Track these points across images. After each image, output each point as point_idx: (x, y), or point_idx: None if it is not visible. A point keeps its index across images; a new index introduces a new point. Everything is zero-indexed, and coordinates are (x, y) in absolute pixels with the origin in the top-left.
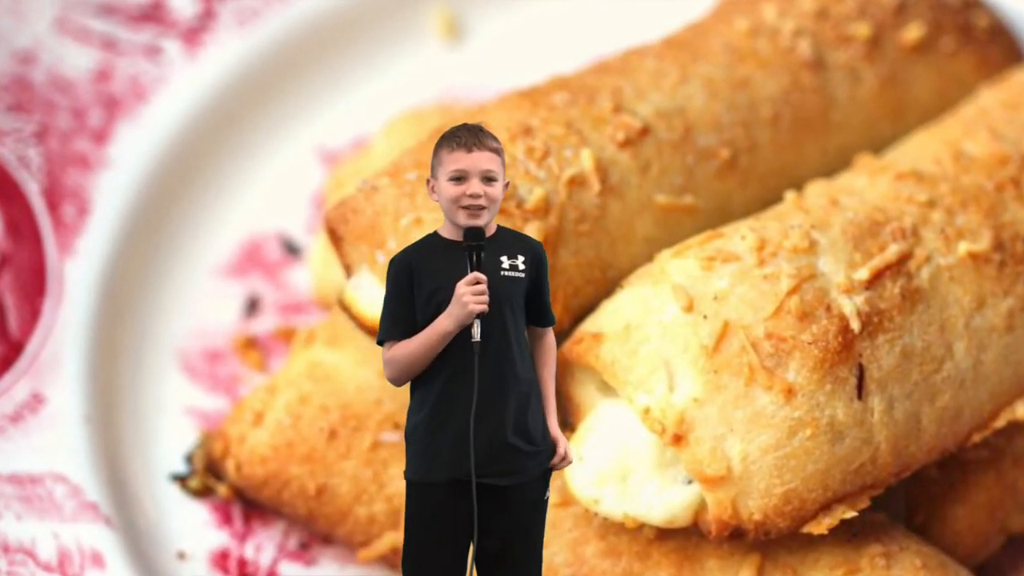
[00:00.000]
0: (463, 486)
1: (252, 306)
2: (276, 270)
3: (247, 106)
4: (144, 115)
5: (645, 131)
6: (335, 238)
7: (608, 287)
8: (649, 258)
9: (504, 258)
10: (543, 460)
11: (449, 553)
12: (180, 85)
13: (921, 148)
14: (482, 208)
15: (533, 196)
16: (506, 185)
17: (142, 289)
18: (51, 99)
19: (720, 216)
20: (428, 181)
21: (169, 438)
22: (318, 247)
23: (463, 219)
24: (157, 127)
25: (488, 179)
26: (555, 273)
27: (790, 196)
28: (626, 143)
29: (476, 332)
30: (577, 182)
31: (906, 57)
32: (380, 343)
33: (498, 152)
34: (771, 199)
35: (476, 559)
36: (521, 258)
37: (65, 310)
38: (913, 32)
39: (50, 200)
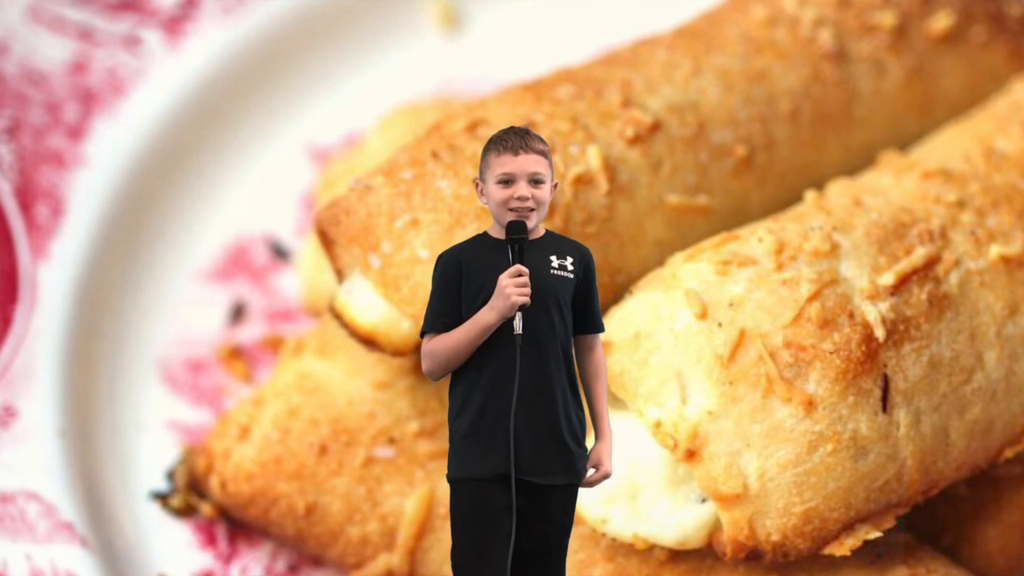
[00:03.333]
0: (505, 483)
1: (237, 313)
2: (263, 275)
3: (232, 100)
4: (122, 110)
5: (656, 127)
6: (326, 241)
7: (616, 293)
8: (660, 262)
9: (554, 257)
10: (584, 463)
11: (495, 550)
12: (161, 78)
13: (950, 145)
14: (531, 210)
15: None
16: (554, 186)
17: (120, 295)
18: (24, 93)
19: (736, 217)
20: (476, 184)
21: (149, 454)
22: (308, 250)
23: (511, 220)
24: (136, 123)
25: (535, 181)
26: None
27: (810, 196)
28: (636, 139)
29: (518, 325)
30: (584, 181)
31: (934, 48)
32: (421, 335)
33: (545, 154)
34: (790, 199)
35: (511, 557)
36: (570, 259)
37: (38, 318)
38: (941, 21)
39: (22, 200)
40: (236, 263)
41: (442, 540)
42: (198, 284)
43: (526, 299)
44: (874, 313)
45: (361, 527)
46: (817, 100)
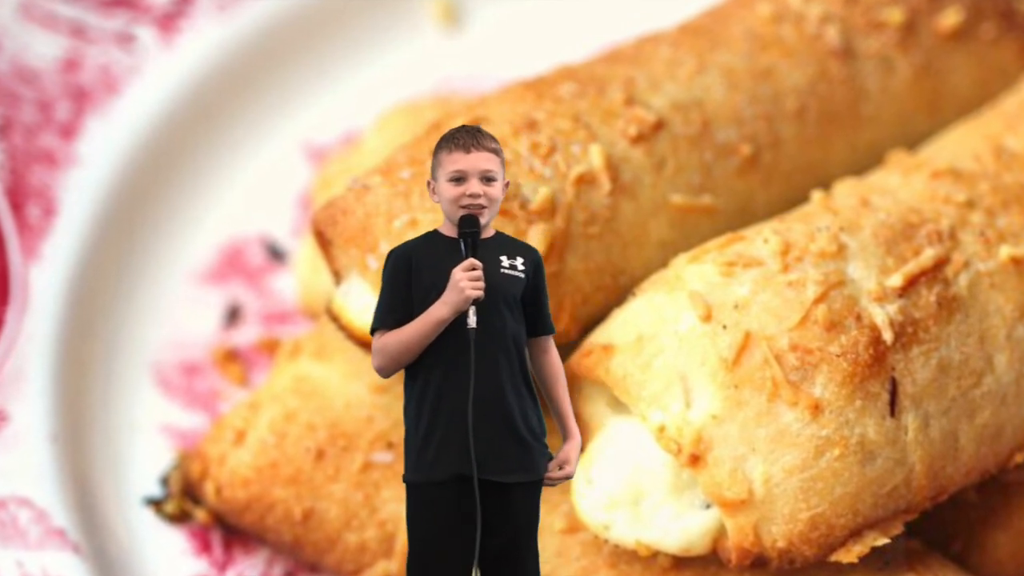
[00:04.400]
0: (466, 484)
1: (233, 315)
2: (259, 276)
3: (227, 98)
4: (116, 108)
5: (659, 125)
6: (323, 241)
7: (619, 295)
8: (664, 263)
9: (504, 257)
10: (545, 458)
11: (455, 556)
12: (155, 76)
13: (959, 143)
14: (482, 207)
15: (538, 196)
16: (506, 185)
17: (113, 297)
18: (15, 91)
19: (741, 217)
20: (428, 183)
21: (143, 459)
22: (304, 251)
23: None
24: (130, 121)
25: (487, 179)
26: (562, 280)
27: (817, 196)
28: (639, 138)
29: (472, 319)
30: (586, 181)
31: (943, 45)
32: (372, 332)
33: (497, 152)
34: (796, 199)
35: (479, 559)
36: (520, 259)
37: (30, 320)
38: (950, 18)
39: (13, 200)
40: (231, 264)
41: None
42: (193, 285)
43: (480, 293)
44: (882, 315)
45: (359, 533)
46: (824, 98)
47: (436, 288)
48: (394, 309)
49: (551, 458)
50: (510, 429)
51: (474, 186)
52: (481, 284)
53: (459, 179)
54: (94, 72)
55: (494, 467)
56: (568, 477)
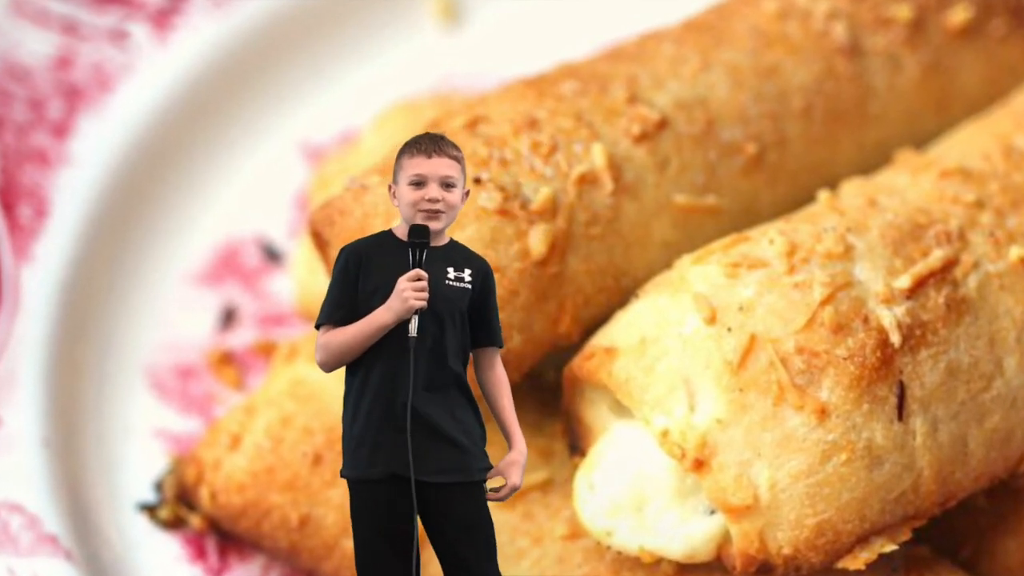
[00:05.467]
0: (401, 483)
1: (228, 317)
2: (255, 278)
3: (223, 96)
4: (109, 106)
5: (663, 124)
6: (320, 242)
7: (622, 296)
8: (667, 264)
9: (450, 269)
10: (482, 462)
11: (396, 554)
12: (148, 73)
13: (968, 142)
14: (439, 212)
15: (539, 196)
16: (466, 194)
17: (107, 299)
18: (6, 88)
19: (746, 218)
20: (390, 187)
21: (136, 464)
22: (301, 252)
23: (420, 221)
24: (123, 120)
25: (447, 185)
26: (564, 281)
27: (823, 196)
28: (642, 137)
29: (413, 328)
30: (588, 180)
31: (951, 42)
32: (317, 327)
33: (459, 160)
34: (802, 199)
35: (441, 561)
36: (468, 271)
37: (21, 322)
38: (959, 14)
39: (5, 200)
40: (227, 265)
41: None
42: (187, 287)
43: (423, 303)
44: (889, 318)
45: None
46: (830, 96)
47: (382, 290)
48: (340, 306)
49: (489, 466)
50: (444, 432)
51: (433, 191)
52: (425, 295)
53: (419, 183)
54: (87, 70)
55: (427, 468)
56: (514, 489)
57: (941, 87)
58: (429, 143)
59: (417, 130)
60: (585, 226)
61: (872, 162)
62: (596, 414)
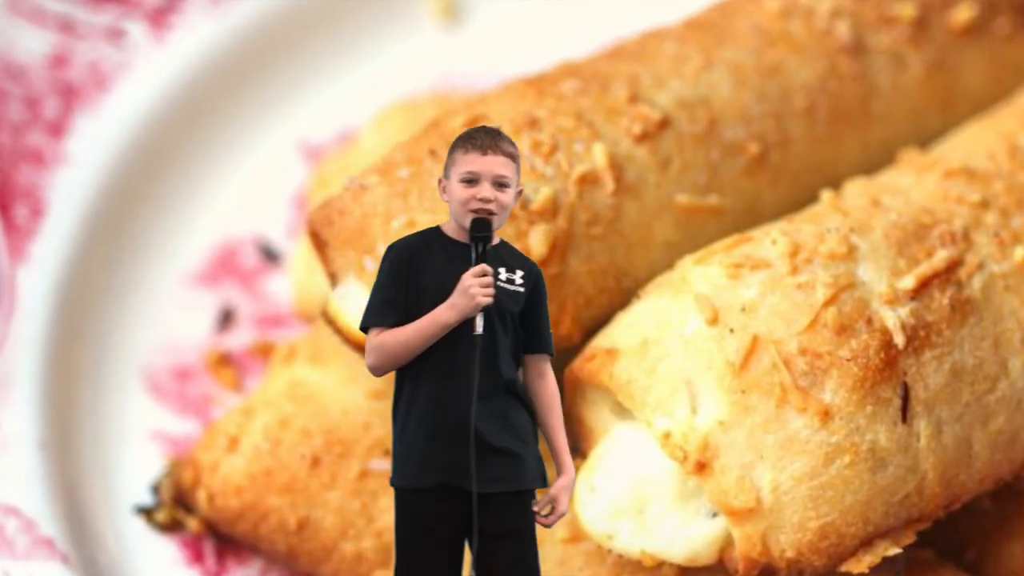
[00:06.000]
0: (453, 492)
1: (226, 318)
2: (253, 278)
3: (221, 96)
4: (105, 105)
5: (665, 123)
6: (319, 243)
7: (623, 297)
8: (669, 265)
9: (502, 270)
10: (535, 468)
11: (441, 564)
12: (146, 72)
13: (973, 142)
14: (491, 214)
15: (540, 196)
16: (519, 192)
17: (103, 300)
18: (1, 87)
19: (748, 218)
20: (440, 181)
21: (133, 466)
22: (300, 253)
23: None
24: (120, 119)
25: (500, 184)
26: (564, 282)
27: (826, 196)
28: (643, 137)
29: (479, 325)
30: (589, 180)
31: (956, 40)
32: (364, 329)
33: (513, 157)
34: (805, 199)
35: (475, 568)
36: (520, 272)
37: (17, 323)
38: (963, 13)
39: (1, 200)
40: (224, 266)
41: None
42: (185, 288)
43: (490, 300)
44: (893, 319)
45: (355, 543)
46: (834, 95)
47: (437, 290)
48: (392, 306)
49: (543, 471)
50: (497, 441)
51: (485, 190)
52: (491, 291)
53: (471, 181)
54: (83, 68)
55: (480, 477)
56: (562, 515)
57: (945, 86)
58: (485, 138)
59: (416, 129)
60: (586, 226)
61: (876, 162)
62: (597, 416)
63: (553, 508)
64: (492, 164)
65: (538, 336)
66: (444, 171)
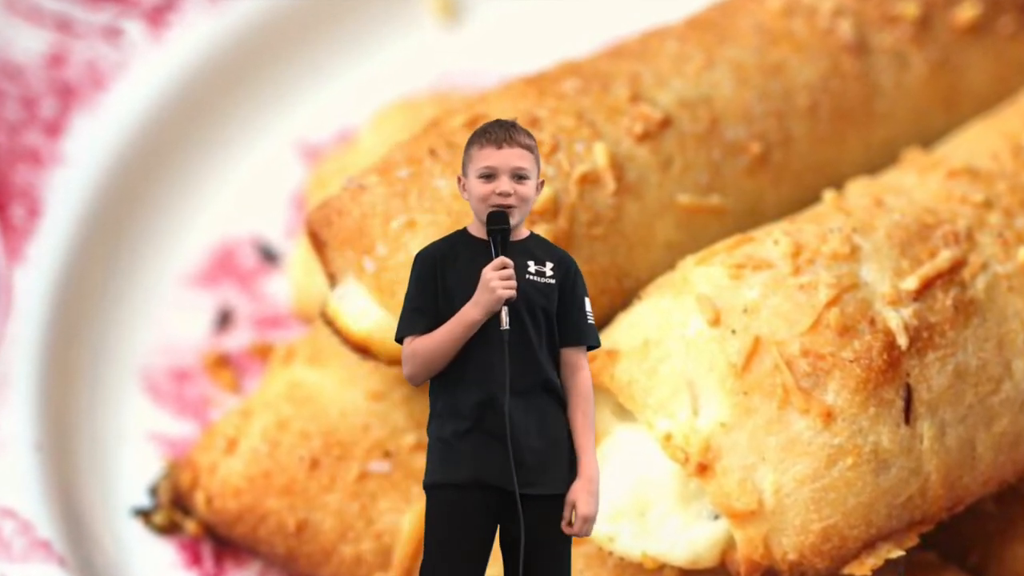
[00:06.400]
0: (487, 490)
1: (224, 319)
2: (251, 279)
3: (219, 95)
4: (103, 105)
5: (666, 122)
6: (318, 243)
7: (624, 298)
8: (671, 265)
9: (531, 263)
10: (568, 476)
11: (471, 560)
12: (143, 71)
13: (976, 142)
14: (511, 207)
15: (540, 196)
16: (541, 184)
17: (100, 301)
18: None
19: (750, 218)
20: (459, 179)
21: (131, 468)
22: (298, 253)
23: None
24: (117, 118)
25: (519, 177)
26: None
27: (829, 196)
28: (645, 136)
29: (504, 320)
30: (590, 180)
31: (959, 39)
32: (399, 340)
33: (531, 149)
34: (808, 199)
35: (506, 567)
36: (549, 264)
37: (14, 324)
38: (967, 11)
39: None
40: (222, 267)
41: None
42: (182, 289)
43: (512, 292)
44: (896, 319)
45: (355, 545)
46: (836, 94)
47: (464, 291)
48: (423, 313)
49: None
50: (529, 441)
51: (504, 184)
52: (513, 283)
53: (489, 176)
54: (80, 68)
55: (516, 477)
56: (586, 519)
57: (949, 85)
58: (500, 132)
59: (416, 129)
60: (587, 226)
61: (879, 161)
62: (598, 417)
63: (575, 512)
64: (509, 157)
65: (572, 328)
66: (462, 169)
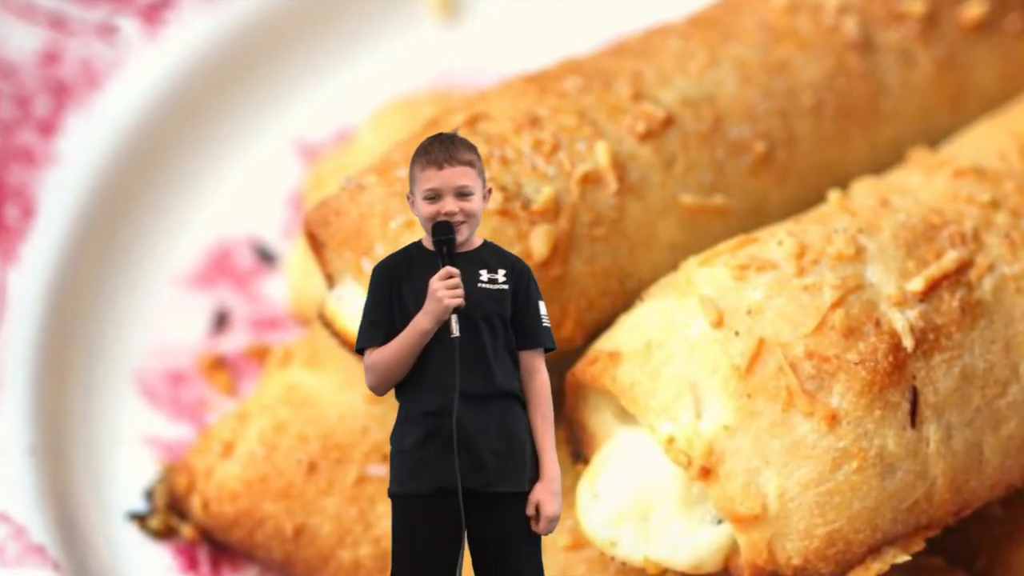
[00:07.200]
0: (449, 496)
1: (220, 321)
2: (248, 280)
3: (215, 93)
4: (97, 104)
5: (669, 121)
6: (315, 244)
7: (627, 299)
8: (673, 266)
9: (483, 271)
10: (530, 474)
11: (439, 570)
12: (138, 69)
13: (983, 141)
14: (460, 223)
15: (541, 196)
16: (488, 192)
17: (95, 302)
18: None
19: (754, 218)
20: (408, 197)
21: (126, 472)
22: (296, 254)
23: (442, 236)
24: (112, 117)
25: (463, 195)
26: (567, 284)
27: (834, 196)
28: (647, 135)
29: (455, 328)
30: (591, 180)
31: (966, 37)
32: (359, 351)
33: (472, 164)
34: (812, 199)
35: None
36: (502, 271)
37: (7, 326)
38: (974, 9)
39: None
40: (219, 267)
41: None
42: (178, 290)
43: (459, 301)
44: (902, 321)
45: (353, 550)
46: (841, 93)
47: (417, 301)
48: (380, 325)
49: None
50: (489, 443)
51: (449, 204)
52: (459, 292)
53: (434, 197)
54: (75, 66)
55: (476, 479)
56: (551, 519)
57: (955, 83)
58: (440, 152)
59: (415, 128)
60: (588, 227)
61: (884, 161)
62: (600, 421)
63: (539, 512)
64: (451, 177)
65: (526, 332)
66: (410, 186)
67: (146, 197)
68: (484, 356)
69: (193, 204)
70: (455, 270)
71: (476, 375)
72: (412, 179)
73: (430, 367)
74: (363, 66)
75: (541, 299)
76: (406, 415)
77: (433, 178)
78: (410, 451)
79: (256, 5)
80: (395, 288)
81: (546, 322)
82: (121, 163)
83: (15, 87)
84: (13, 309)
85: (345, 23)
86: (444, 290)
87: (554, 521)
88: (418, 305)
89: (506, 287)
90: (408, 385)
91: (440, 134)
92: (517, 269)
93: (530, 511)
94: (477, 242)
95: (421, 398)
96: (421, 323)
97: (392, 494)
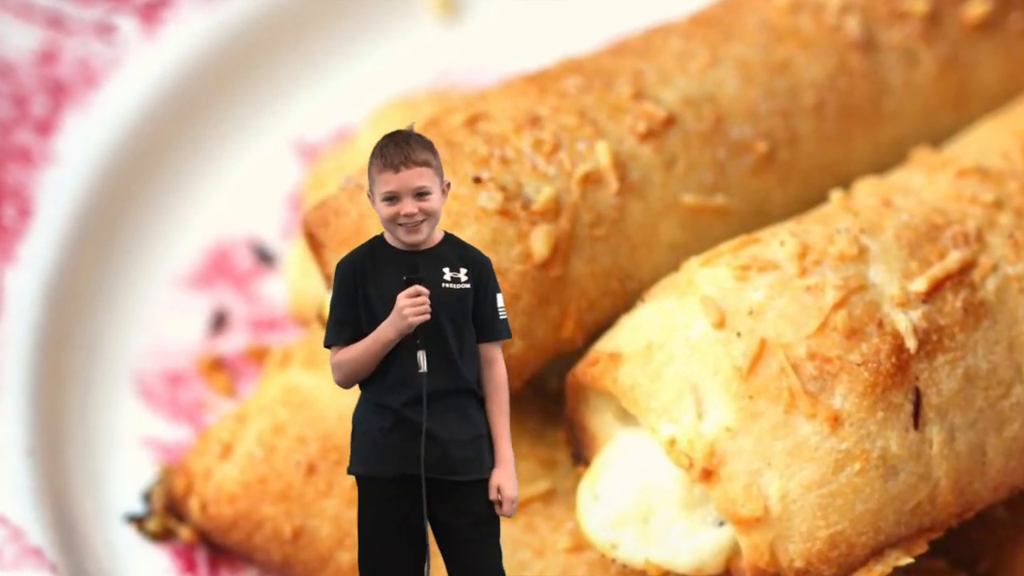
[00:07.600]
0: (413, 482)
1: (219, 322)
2: (246, 281)
3: (214, 93)
4: (95, 103)
5: (670, 121)
6: (315, 244)
7: (628, 300)
8: (674, 267)
9: (446, 270)
10: (488, 462)
11: (405, 554)
12: (136, 68)
13: (986, 140)
14: (419, 223)
15: (542, 196)
16: (447, 187)
17: (93, 303)
18: None
19: (756, 218)
20: (369, 194)
21: (124, 473)
22: (295, 254)
23: (402, 235)
24: (110, 117)
25: (421, 195)
26: (567, 284)
27: (836, 196)
28: (648, 135)
29: (422, 363)
30: (592, 180)
31: (969, 36)
32: (327, 346)
33: (429, 163)
34: (814, 199)
35: (446, 561)
36: (464, 270)
37: (5, 326)
38: (977, 8)
39: None
40: (217, 268)
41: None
42: (177, 291)
43: (424, 317)
44: (905, 322)
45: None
46: (843, 92)
47: (380, 300)
48: (346, 325)
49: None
50: (453, 434)
51: (408, 206)
52: (425, 309)
53: (392, 199)
54: (72, 65)
55: (439, 467)
56: (513, 501)
57: (958, 83)
58: (395, 154)
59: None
60: (589, 227)
61: (887, 160)
62: (601, 422)
63: (501, 495)
64: (408, 179)
65: (487, 325)
66: (369, 185)
67: (144, 197)
68: (449, 353)
69: (192, 204)
70: (424, 289)
71: (441, 372)
72: (371, 179)
73: (396, 366)
74: (363, 66)
75: (499, 291)
76: (370, 405)
77: (390, 181)
78: (375, 435)
79: (255, 4)
80: (361, 287)
81: (503, 314)
82: (119, 163)
83: (12, 86)
84: (10, 309)
85: (345, 23)
86: (410, 308)
87: (515, 502)
88: (384, 307)
89: (468, 286)
90: (374, 379)
91: (395, 133)
92: (478, 264)
93: (493, 495)
94: (438, 236)
95: (387, 392)
96: (386, 333)
97: (355, 474)
